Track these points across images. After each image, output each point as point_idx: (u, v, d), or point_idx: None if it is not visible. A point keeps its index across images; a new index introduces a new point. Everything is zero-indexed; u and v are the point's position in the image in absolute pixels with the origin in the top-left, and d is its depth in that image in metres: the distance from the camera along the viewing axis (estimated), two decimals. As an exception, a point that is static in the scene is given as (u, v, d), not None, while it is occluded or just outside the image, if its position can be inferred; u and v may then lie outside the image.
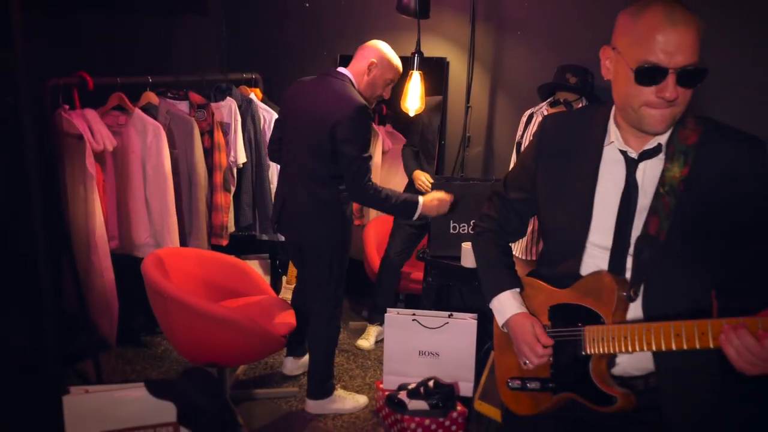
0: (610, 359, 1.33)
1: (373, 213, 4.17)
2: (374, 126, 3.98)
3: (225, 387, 2.88)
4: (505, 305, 1.44)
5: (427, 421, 2.69)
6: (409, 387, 2.80)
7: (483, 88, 3.15)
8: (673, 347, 1.17)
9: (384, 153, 4.18)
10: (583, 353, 1.31)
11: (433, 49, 3.28)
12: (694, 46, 1.19)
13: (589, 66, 2.63)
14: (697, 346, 1.14)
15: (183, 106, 3.31)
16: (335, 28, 3.67)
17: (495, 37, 3.10)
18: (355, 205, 3.98)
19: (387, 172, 4.27)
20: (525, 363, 1.39)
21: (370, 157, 2.57)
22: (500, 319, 1.45)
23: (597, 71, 2.49)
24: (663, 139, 1.30)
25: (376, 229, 3.92)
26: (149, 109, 3.15)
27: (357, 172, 2.54)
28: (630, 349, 1.23)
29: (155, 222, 3.09)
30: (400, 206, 2.62)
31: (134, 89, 3.15)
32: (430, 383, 2.80)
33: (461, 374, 2.87)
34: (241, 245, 3.72)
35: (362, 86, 2.61)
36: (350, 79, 2.60)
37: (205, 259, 3.10)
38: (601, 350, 1.28)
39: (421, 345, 2.92)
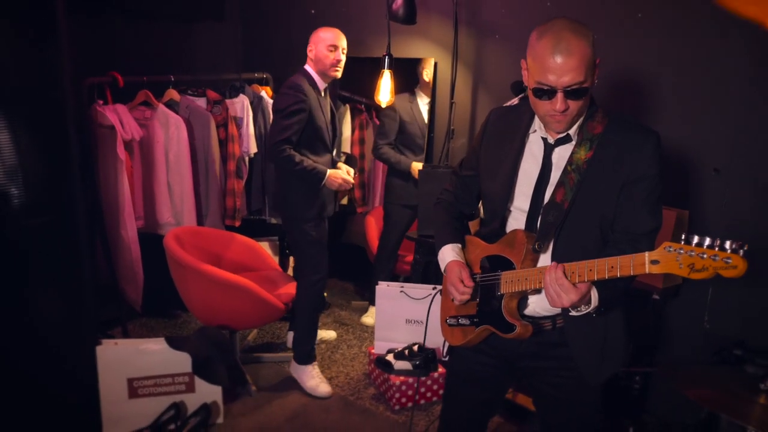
0: (521, 299, 1.67)
1: (376, 202, 4.43)
2: (377, 121, 4.25)
3: (236, 349, 3.22)
4: (445, 255, 1.77)
5: (410, 380, 3.03)
6: (396, 350, 3.15)
7: (466, 85, 3.44)
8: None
9: None
10: (499, 293, 1.65)
11: (422, 51, 3.59)
12: (579, 68, 1.47)
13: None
14: (546, 290, 1.49)
15: (201, 102, 3.59)
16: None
17: (476, 40, 3.36)
18: (357, 193, 4.30)
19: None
20: (452, 300, 1.73)
21: (288, 118, 2.82)
22: (441, 266, 1.78)
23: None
24: (574, 130, 1.63)
25: (377, 217, 4.12)
26: (172, 105, 3.45)
27: (272, 130, 2.88)
28: (530, 287, 1.57)
29: (176, 204, 3.43)
30: (309, 173, 2.85)
31: (158, 87, 3.44)
32: (415, 347, 3.14)
33: (442, 340, 3.20)
34: (253, 228, 3.98)
35: (316, 68, 2.93)
36: (305, 70, 2.94)
37: (219, 236, 3.45)
38: (510, 290, 1.62)
39: (407, 314, 3.24)
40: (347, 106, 4.11)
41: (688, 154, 2.76)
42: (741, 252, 1.22)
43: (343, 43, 2.94)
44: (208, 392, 2.84)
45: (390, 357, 3.10)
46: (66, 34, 2.43)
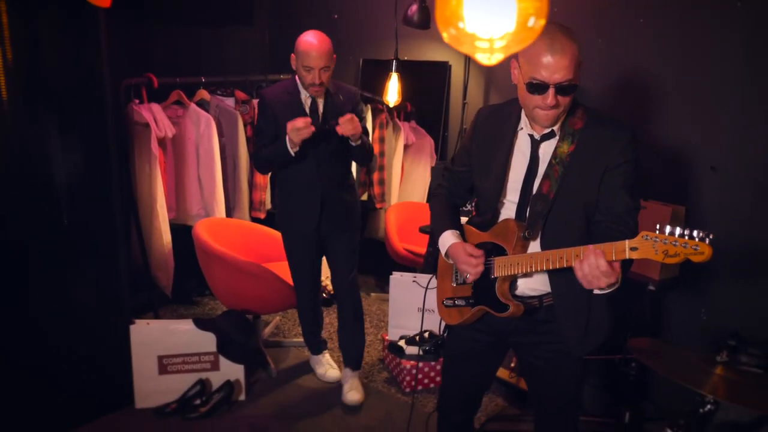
0: (512, 282, 1.83)
1: (393, 198, 4.60)
2: (398, 121, 4.44)
3: (259, 332, 3.44)
4: (446, 240, 1.92)
5: (420, 364, 3.22)
6: (408, 337, 3.33)
7: (478, 87, 3.60)
8: (544, 268, 1.68)
9: (407, 147, 4.61)
10: (492, 276, 1.82)
11: (437, 54, 3.77)
12: (570, 66, 1.61)
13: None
14: (557, 266, 1.64)
15: (230, 101, 3.78)
16: (359, 36, 4.08)
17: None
18: (376, 189, 4.48)
19: (410, 163, 4.67)
20: (467, 277, 1.87)
21: (256, 133, 2.91)
22: (443, 250, 1.94)
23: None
24: (556, 126, 1.79)
25: (396, 212, 4.26)
26: (202, 104, 3.66)
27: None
28: (522, 270, 1.73)
29: (205, 197, 3.66)
30: (277, 148, 2.74)
31: (190, 87, 3.63)
32: (426, 334, 3.31)
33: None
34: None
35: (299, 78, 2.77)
36: (293, 77, 2.83)
37: (245, 228, 3.68)
38: (503, 273, 1.78)
39: (419, 303, 3.40)
40: (368, 106, 4.30)
41: (686, 153, 2.88)
42: (707, 240, 1.38)
43: (321, 62, 2.63)
44: (232, 371, 3.06)
45: (402, 342, 3.28)
46: (106, 39, 2.67)
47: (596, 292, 1.65)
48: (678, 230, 1.40)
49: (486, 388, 2.15)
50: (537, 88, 1.65)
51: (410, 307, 3.41)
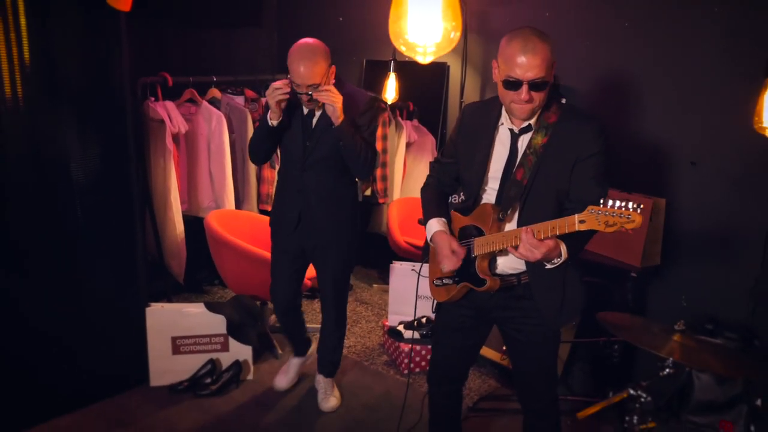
0: (491, 260, 2.02)
1: (396, 193, 4.78)
2: (401, 120, 4.62)
3: (265, 317, 3.64)
4: (432, 227, 2.12)
5: (417, 347, 3.41)
6: (406, 322, 3.52)
7: (474, 87, 3.78)
8: (511, 244, 1.87)
9: (410, 144, 4.79)
10: (473, 255, 2.02)
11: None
12: (541, 65, 1.80)
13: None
14: (518, 243, 1.82)
15: (240, 100, 3.97)
16: (362, 38, 4.25)
17: (483, 46, 3.68)
18: (379, 185, 4.67)
19: (412, 160, 4.84)
20: (443, 267, 2.09)
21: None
22: (428, 236, 2.14)
23: (559, 73, 3.13)
24: (533, 120, 1.98)
25: (398, 207, 4.43)
26: (214, 102, 3.84)
27: None
28: (496, 248, 1.93)
29: (216, 189, 3.85)
30: (260, 133, 2.70)
31: (202, 86, 3.81)
32: (423, 319, 3.51)
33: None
34: None
35: None
36: None
37: (254, 219, 3.86)
38: (482, 251, 1.98)
39: (418, 290, 3.61)
40: (383, 106, 4.50)
41: (667, 148, 3.06)
42: (638, 210, 1.57)
43: (307, 81, 2.46)
44: (240, 352, 3.26)
45: (401, 327, 3.48)
46: (127, 41, 2.87)
47: (548, 266, 1.86)
48: (618, 203, 1.60)
49: (472, 361, 2.34)
50: (512, 85, 1.85)
51: (409, 294, 3.57)
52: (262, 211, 4.10)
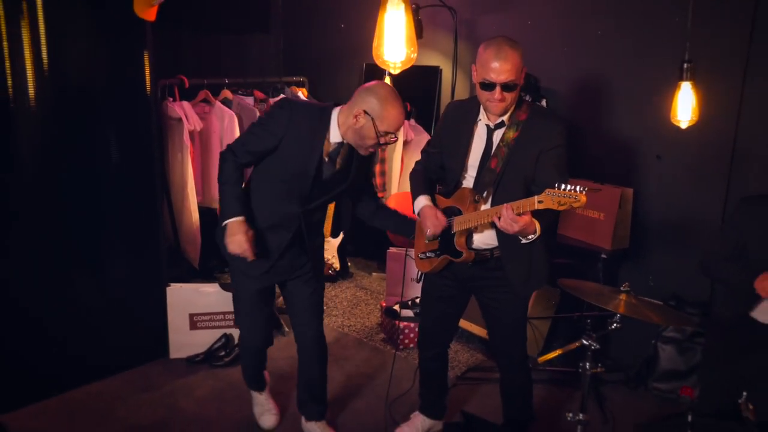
0: (468, 236, 2.36)
1: (393, 188, 5.10)
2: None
3: (274, 298, 3.95)
4: (420, 202, 2.44)
5: (412, 325, 3.75)
6: (402, 302, 3.86)
7: (464, 88, 4.10)
8: (485, 221, 2.20)
9: (407, 142, 5.10)
10: (452, 232, 2.35)
11: (429, 60, 4.29)
12: (512, 70, 2.13)
13: (535, 72, 3.59)
14: (491, 220, 2.15)
15: (249, 100, 4.29)
16: (362, 43, 4.45)
17: (472, 51, 4.00)
18: (378, 180, 5.00)
19: (409, 157, 5.11)
20: (428, 233, 2.41)
21: (252, 129, 2.43)
22: (416, 210, 2.45)
23: (541, 75, 3.47)
24: (506, 117, 2.31)
25: (396, 201, 4.69)
26: (226, 102, 4.16)
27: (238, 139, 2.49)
28: (472, 224, 2.26)
29: (228, 182, 4.21)
30: (222, 200, 2.43)
31: (216, 87, 4.14)
32: (417, 300, 3.85)
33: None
34: None
35: (345, 124, 2.34)
36: (329, 109, 2.38)
37: None
38: (460, 228, 2.32)
39: (413, 273, 3.94)
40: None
41: (635, 143, 3.40)
42: (584, 192, 1.90)
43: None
44: (251, 328, 3.60)
45: (396, 307, 3.82)
46: (151, 46, 3.22)
47: (523, 241, 2.19)
48: (568, 187, 1.93)
49: (454, 326, 2.68)
50: (487, 86, 2.19)
51: (403, 277, 3.94)
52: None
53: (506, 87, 2.17)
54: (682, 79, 2.70)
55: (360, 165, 2.48)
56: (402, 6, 1.09)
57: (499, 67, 2.14)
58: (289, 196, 2.41)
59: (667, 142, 3.28)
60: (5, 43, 2.76)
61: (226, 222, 2.36)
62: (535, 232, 2.15)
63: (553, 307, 3.64)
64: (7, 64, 2.77)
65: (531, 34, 3.68)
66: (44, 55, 2.86)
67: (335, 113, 2.36)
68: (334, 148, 2.38)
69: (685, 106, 2.67)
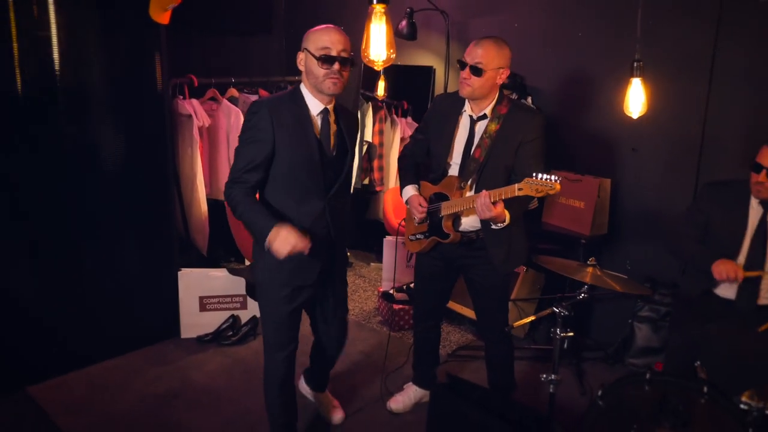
0: (455, 220, 2.62)
1: (391, 182, 5.36)
2: (396, 117, 5.21)
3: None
4: (407, 192, 2.71)
5: (406, 308, 4.01)
6: (397, 286, 4.12)
7: (456, 87, 4.39)
8: (468, 206, 2.45)
9: (404, 139, 5.22)
10: (440, 215, 2.61)
11: (423, 60, 4.56)
12: (483, 55, 2.40)
13: (521, 71, 3.86)
14: (473, 205, 2.40)
15: (254, 98, 4.44)
16: (359, 43, 4.92)
17: (463, 51, 4.29)
18: (376, 175, 5.26)
19: None
20: (415, 217, 2.68)
21: (242, 146, 2.26)
22: (405, 198, 2.72)
23: (526, 74, 3.73)
24: (488, 110, 2.58)
25: (393, 194, 4.90)
26: (232, 100, 4.37)
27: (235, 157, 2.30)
28: (458, 209, 2.52)
29: (234, 175, 4.47)
30: (251, 224, 2.23)
31: (223, 86, 4.35)
32: (412, 285, 4.10)
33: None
34: None
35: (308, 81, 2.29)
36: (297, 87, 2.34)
37: None
38: (447, 212, 2.58)
39: (406, 261, 4.20)
40: (369, 104, 5.09)
41: (613, 136, 3.66)
42: (558, 181, 2.16)
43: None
44: (257, 310, 3.77)
45: (392, 291, 4.08)
46: (166, 48, 3.48)
47: (493, 227, 2.45)
48: (544, 176, 2.18)
49: (445, 301, 2.95)
50: (461, 65, 2.48)
51: (400, 264, 4.19)
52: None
53: (473, 69, 2.44)
54: (632, 76, 2.95)
55: (351, 137, 2.41)
56: (384, 18, 1.36)
57: (472, 50, 2.46)
58: (308, 193, 2.28)
59: (642, 135, 3.54)
60: (14, 44, 2.97)
61: (267, 240, 2.12)
62: (504, 221, 2.40)
63: (538, 291, 3.90)
64: (16, 63, 2.97)
65: (517, 36, 3.94)
66: (55, 55, 3.07)
67: (302, 88, 2.31)
68: (322, 121, 2.28)
69: (635, 99, 2.92)
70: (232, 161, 4.34)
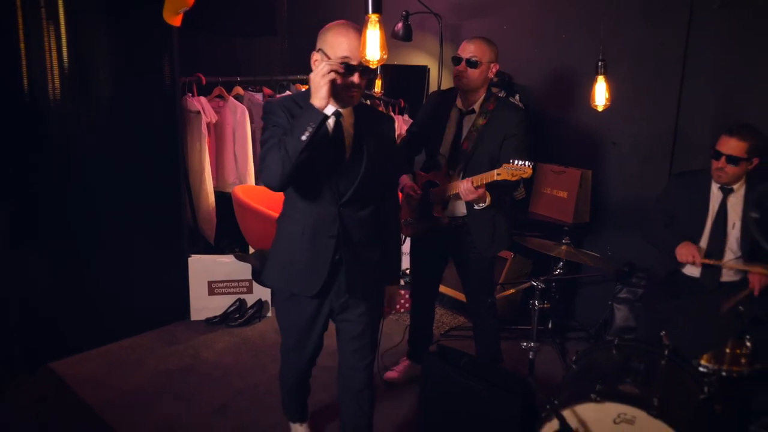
0: (443, 205, 2.88)
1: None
2: (393, 114, 5.46)
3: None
4: (402, 180, 2.95)
5: (402, 291, 4.26)
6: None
7: (449, 85, 4.65)
8: (456, 192, 2.71)
9: (399, 135, 5.62)
10: (430, 201, 2.88)
11: (418, 60, 4.82)
12: (475, 50, 2.70)
13: (509, 70, 4.12)
14: (459, 190, 2.67)
15: (259, 96, 4.75)
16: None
17: (456, 52, 4.58)
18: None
19: None
20: (408, 204, 2.94)
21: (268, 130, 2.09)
22: (399, 186, 2.99)
23: (514, 73, 3.99)
24: (477, 106, 2.84)
25: None
26: (238, 97, 4.62)
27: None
28: (447, 195, 2.78)
29: (240, 168, 4.69)
30: (299, 118, 1.95)
31: (229, 85, 4.60)
32: (407, 270, 4.36)
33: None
34: None
35: None
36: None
37: (270, 193, 4.62)
38: (436, 198, 2.84)
39: (404, 249, 4.45)
40: (368, 101, 5.35)
41: (594, 131, 3.92)
42: (530, 166, 2.42)
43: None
44: (262, 293, 4.11)
45: (389, 277, 4.33)
46: (177, 49, 3.74)
47: (476, 207, 2.70)
48: (519, 163, 2.44)
49: (438, 279, 3.21)
50: (456, 60, 2.74)
51: (396, 252, 4.45)
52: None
53: (469, 63, 2.72)
54: (597, 74, 3.22)
55: (377, 143, 2.18)
56: (378, 25, 1.59)
57: (465, 47, 2.74)
58: (321, 196, 2.12)
59: (621, 130, 3.80)
60: (22, 45, 3.17)
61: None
62: (485, 202, 2.68)
63: (525, 276, 4.16)
64: (24, 63, 3.16)
65: (506, 37, 4.20)
66: (65, 55, 3.27)
67: None
68: (335, 123, 2.09)
69: (600, 94, 3.19)
70: (238, 156, 4.68)
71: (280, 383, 2.60)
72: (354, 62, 1.98)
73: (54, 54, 3.26)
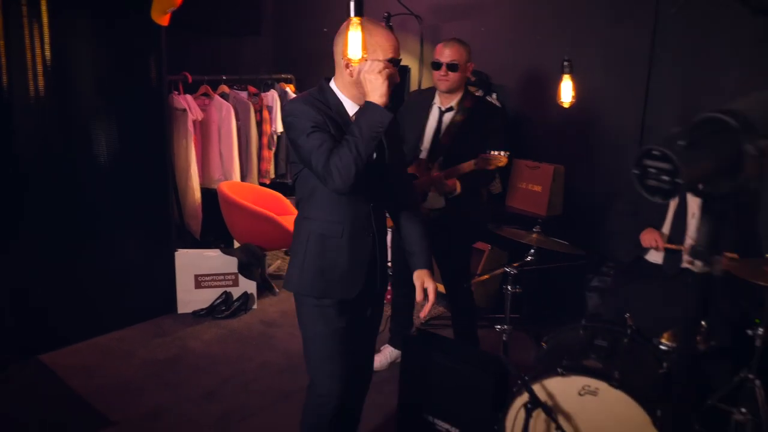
0: (422, 196, 3.02)
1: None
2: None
3: (265, 264, 4.60)
4: None
5: (389, 287, 4.39)
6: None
7: (429, 85, 4.81)
8: (431, 183, 2.87)
9: None
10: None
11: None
12: (453, 54, 2.87)
13: (486, 70, 4.28)
14: (433, 181, 2.83)
15: (244, 94, 4.91)
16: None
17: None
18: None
19: None
20: None
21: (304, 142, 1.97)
22: None
23: (491, 73, 4.15)
24: (455, 103, 2.99)
25: None
26: (223, 95, 4.76)
27: (310, 156, 1.95)
28: (425, 188, 2.93)
29: (225, 165, 4.82)
30: (367, 118, 1.93)
31: (214, 83, 4.74)
32: (389, 263, 4.50)
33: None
34: (284, 189, 5.16)
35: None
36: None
37: (255, 189, 4.83)
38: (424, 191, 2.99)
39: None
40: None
41: (566, 127, 4.09)
42: (505, 155, 2.58)
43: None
44: (248, 286, 4.22)
45: (371, 270, 4.47)
46: (165, 47, 3.85)
47: (448, 197, 2.87)
48: (494, 152, 2.60)
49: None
50: (436, 65, 2.88)
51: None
52: (262, 184, 5.07)
53: (450, 67, 2.87)
54: (563, 73, 3.39)
55: (395, 137, 2.22)
56: (359, 27, 1.72)
57: (442, 51, 2.88)
58: (359, 193, 2.04)
59: (592, 125, 3.97)
60: (1, 42, 3.26)
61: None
62: (455, 191, 2.87)
63: (501, 267, 4.32)
64: (3, 60, 3.17)
65: (484, 38, 4.36)
66: (48, 53, 3.32)
67: (332, 86, 2.11)
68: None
69: (566, 92, 3.37)
70: (223, 153, 4.80)
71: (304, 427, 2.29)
72: (399, 57, 2.02)
73: (38, 51, 3.32)
